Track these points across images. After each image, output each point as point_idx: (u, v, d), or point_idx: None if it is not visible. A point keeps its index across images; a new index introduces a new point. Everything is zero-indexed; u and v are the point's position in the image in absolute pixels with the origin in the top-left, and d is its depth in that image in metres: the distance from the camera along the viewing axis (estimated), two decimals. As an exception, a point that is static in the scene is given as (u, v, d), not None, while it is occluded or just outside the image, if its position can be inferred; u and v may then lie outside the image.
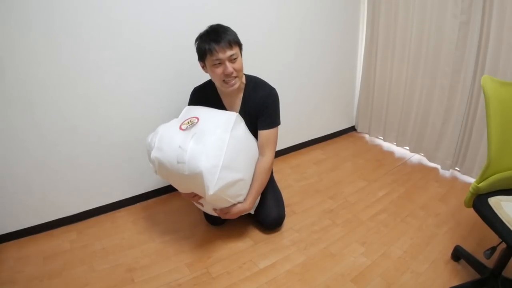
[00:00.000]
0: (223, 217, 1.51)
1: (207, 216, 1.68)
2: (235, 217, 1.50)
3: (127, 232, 1.67)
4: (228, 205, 1.44)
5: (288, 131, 2.41)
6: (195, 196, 1.45)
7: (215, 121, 1.36)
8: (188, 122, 1.37)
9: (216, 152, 1.26)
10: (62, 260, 1.48)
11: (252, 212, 1.61)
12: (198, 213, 1.78)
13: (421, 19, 2.16)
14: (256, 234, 1.63)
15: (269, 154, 1.52)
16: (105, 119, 1.69)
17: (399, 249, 1.51)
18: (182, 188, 1.45)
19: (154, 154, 1.34)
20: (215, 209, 1.49)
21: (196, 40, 1.44)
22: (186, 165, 1.25)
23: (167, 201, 1.95)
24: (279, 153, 2.48)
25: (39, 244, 1.58)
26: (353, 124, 2.98)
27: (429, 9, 2.10)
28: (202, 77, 1.87)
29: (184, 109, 1.51)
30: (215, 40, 1.34)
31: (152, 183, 1.95)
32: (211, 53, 1.35)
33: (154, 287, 1.33)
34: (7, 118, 1.45)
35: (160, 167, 1.35)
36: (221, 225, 1.69)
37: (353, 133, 2.97)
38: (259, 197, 1.61)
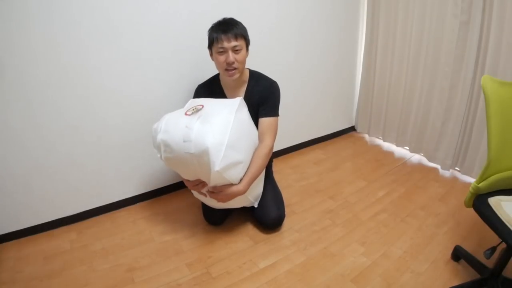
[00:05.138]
0: (214, 197, 1.45)
1: (207, 216, 1.68)
2: (226, 199, 1.44)
3: (127, 232, 1.67)
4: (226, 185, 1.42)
5: (288, 131, 2.41)
6: (199, 185, 1.45)
7: (220, 106, 1.42)
8: (193, 109, 1.41)
9: (222, 130, 1.30)
10: (62, 260, 1.48)
11: (256, 205, 1.60)
12: (198, 213, 1.78)
13: (421, 19, 2.16)
14: (256, 234, 1.63)
15: (269, 141, 1.54)
16: (105, 119, 1.69)
17: (399, 249, 1.51)
18: (187, 173, 1.44)
19: (160, 136, 1.36)
20: (211, 188, 1.44)
21: (209, 30, 1.53)
22: (192, 143, 1.28)
23: (167, 201, 1.95)
24: (279, 153, 2.48)
25: (39, 244, 1.58)
26: (353, 124, 2.98)
27: (429, 9, 2.10)
28: (201, 78, 1.87)
29: (189, 102, 1.55)
30: (223, 30, 1.44)
31: (152, 183, 1.95)
32: (217, 41, 1.45)
33: (154, 287, 1.33)
34: (7, 118, 1.45)
35: (166, 149, 1.36)
36: (220, 225, 1.70)
37: (353, 133, 2.97)
38: (261, 194, 1.62)
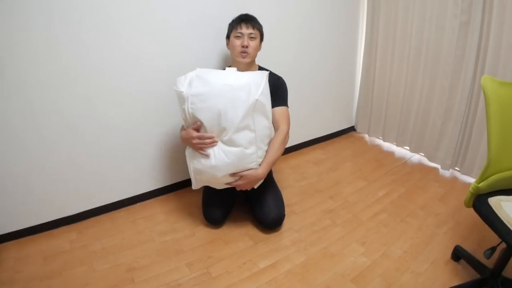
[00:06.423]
0: (237, 184, 1.49)
1: (207, 216, 1.68)
2: (248, 185, 1.51)
3: (127, 232, 1.67)
4: (246, 142, 1.43)
5: (288, 131, 2.41)
6: (208, 140, 1.43)
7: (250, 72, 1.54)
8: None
9: (259, 79, 1.45)
10: (62, 260, 1.48)
11: (255, 186, 1.57)
12: (198, 213, 1.78)
13: (421, 19, 2.16)
14: (256, 234, 1.63)
15: (284, 127, 1.62)
16: (105, 119, 1.69)
17: (399, 249, 1.51)
18: (210, 113, 1.40)
19: (196, 73, 1.45)
20: (230, 175, 1.47)
21: (229, 23, 1.70)
22: (232, 78, 1.42)
23: (167, 201, 1.95)
24: (279, 153, 2.47)
25: (39, 244, 1.58)
26: (353, 124, 2.98)
27: (429, 9, 2.10)
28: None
29: None
30: (243, 20, 1.64)
31: (151, 183, 1.95)
32: (236, 27, 1.63)
33: (154, 287, 1.33)
34: (7, 118, 1.44)
35: (199, 84, 1.41)
36: (221, 225, 1.70)
37: (353, 133, 2.97)
38: (259, 189, 1.61)
